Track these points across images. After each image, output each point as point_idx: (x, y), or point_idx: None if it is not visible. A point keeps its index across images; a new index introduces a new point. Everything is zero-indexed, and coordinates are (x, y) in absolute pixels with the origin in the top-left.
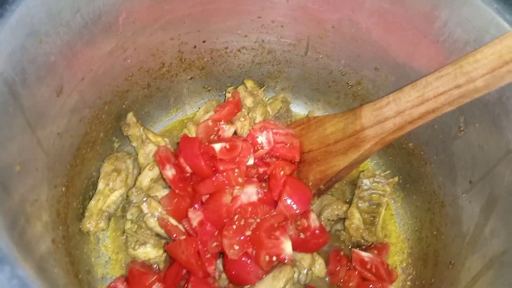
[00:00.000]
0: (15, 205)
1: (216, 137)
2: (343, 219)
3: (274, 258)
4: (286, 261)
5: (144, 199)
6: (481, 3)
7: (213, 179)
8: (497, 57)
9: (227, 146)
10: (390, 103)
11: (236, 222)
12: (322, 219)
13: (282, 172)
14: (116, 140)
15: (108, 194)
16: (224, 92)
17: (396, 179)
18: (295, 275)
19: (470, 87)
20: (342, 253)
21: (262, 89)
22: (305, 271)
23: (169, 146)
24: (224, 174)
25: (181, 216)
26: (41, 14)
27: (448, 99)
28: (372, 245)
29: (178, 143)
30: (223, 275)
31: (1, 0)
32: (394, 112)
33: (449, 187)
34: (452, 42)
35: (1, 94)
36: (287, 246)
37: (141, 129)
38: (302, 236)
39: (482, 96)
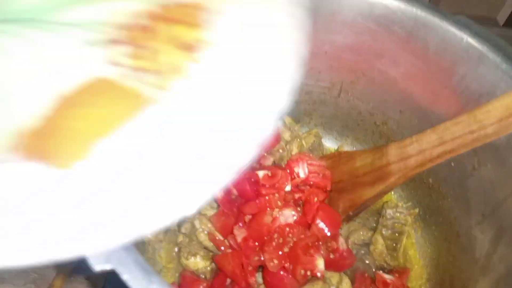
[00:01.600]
0: None
1: (258, 165)
2: (368, 244)
3: (309, 273)
4: (319, 275)
5: (196, 216)
6: (493, 63)
7: (257, 201)
8: (505, 109)
9: (269, 174)
10: (413, 143)
11: (276, 240)
12: (349, 243)
13: (315, 199)
14: None
15: None
16: None
17: (416, 210)
18: None
19: (482, 133)
20: (366, 274)
21: (299, 124)
22: None
23: None
24: (266, 197)
25: (227, 232)
26: None
27: (463, 142)
28: (394, 269)
29: None
30: (262, 287)
31: None
32: (416, 151)
33: (464, 219)
34: (469, 93)
35: None
36: (320, 263)
37: None
38: (331, 256)
39: (493, 140)
